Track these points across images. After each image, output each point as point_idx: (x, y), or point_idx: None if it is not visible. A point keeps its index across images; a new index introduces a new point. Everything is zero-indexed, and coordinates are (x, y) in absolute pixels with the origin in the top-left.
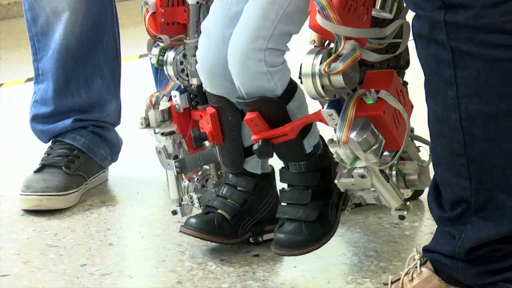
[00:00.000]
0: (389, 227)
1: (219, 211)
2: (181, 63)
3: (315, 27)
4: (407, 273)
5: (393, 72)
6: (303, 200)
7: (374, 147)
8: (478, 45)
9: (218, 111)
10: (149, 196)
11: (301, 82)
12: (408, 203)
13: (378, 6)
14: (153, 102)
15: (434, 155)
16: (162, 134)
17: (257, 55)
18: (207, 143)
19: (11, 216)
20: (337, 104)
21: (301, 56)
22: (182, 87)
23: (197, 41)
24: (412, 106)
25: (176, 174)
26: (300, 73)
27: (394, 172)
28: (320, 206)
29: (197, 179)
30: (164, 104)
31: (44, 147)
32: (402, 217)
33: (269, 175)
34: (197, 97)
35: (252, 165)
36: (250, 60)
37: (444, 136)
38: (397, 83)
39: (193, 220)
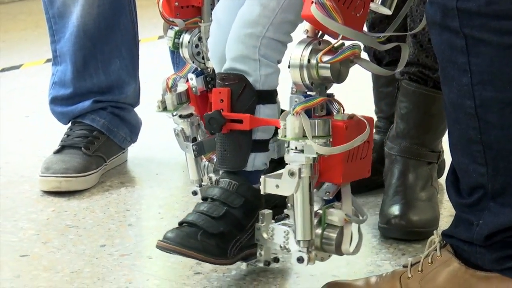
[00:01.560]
0: None
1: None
2: (197, 46)
3: (308, 18)
4: (426, 256)
5: (373, 119)
6: (213, 213)
7: (321, 140)
8: (491, 32)
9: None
10: (169, 177)
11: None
12: (313, 253)
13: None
14: (169, 85)
15: (451, 141)
16: (180, 116)
17: (252, 41)
18: None
19: (31, 196)
20: (306, 96)
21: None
22: (199, 69)
23: None
24: (368, 171)
25: (194, 157)
26: (289, 62)
27: (316, 220)
28: (227, 230)
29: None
30: (181, 87)
31: (64, 127)
32: (300, 260)
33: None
34: (214, 80)
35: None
36: (244, 45)
37: (460, 122)
38: (370, 132)
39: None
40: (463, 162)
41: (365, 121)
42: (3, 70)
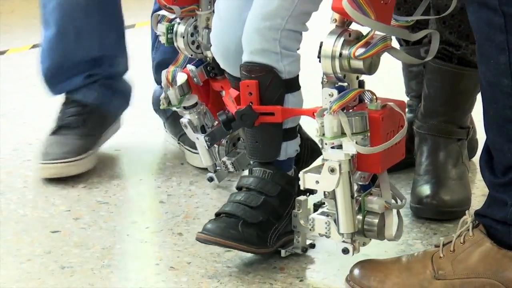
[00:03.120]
0: None
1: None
2: (192, 35)
3: (339, 11)
4: (459, 236)
5: (404, 103)
6: (251, 203)
7: (360, 136)
8: None
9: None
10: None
11: (320, 62)
12: (357, 242)
13: None
14: (170, 80)
15: (486, 120)
16: (185, 108)
17: (273, 34)
18: None
19: None
20: (340, 89)
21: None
22: (197, 59)
23: (210, 12)
24: (403, 155)
25: (207, 148)
26: (319, 53)
27: (356, 208)
28: (266, 218)
29: (227, 141)
30: (180, 78)
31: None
32: (345, 251)
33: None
34: (215, 69)
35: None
36: (264, 38)
37: (496, 101)
38: (401, 117)
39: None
40: (498, 142)
41: (399, 109)
42: None
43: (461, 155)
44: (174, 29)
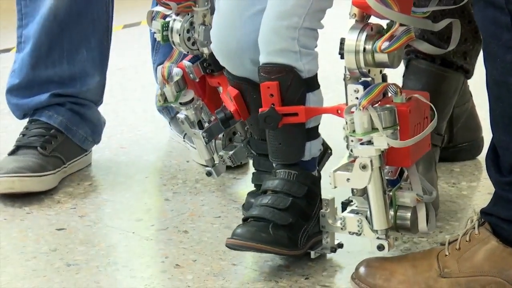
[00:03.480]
0: (446, 186)
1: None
2: (188, 31)
3: (361, 5)
4: (464, 234)
5: (428, 94)
6: (279, 205)
7: (390, 130)
8: None
9: (241, 91)
10: None
11: (342, 58)
12: (391, 238)
13: None
14: (166, 76)
15: (492, 118)
16: (181, 104)
17: (291, 33)
18: None
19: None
20: (365, 84)
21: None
22: (192, 56)
23: (207, 9)
24: (429, 145)
25: (205, 144)
26: (341, 49)
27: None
28: (295, 220)
29: (223, 135)
30: (176, 74)
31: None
32: (381, 247)
33: None
34: (211, 65)
35: None
36: (282, 37)
37: (503, 100)
38: (427, 108)
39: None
40: (504, 140)
41: (425, 99)
42: None
43: (434, 161)
44: (170, 25)
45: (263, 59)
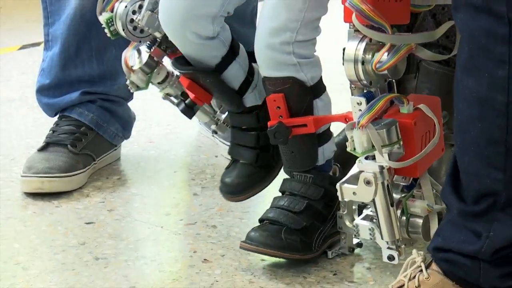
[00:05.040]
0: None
1: (241, 161)
2: (131, 21)
3: (350, 22)
4: (411, 279)
5: (439, 99)
6: (294, 208)
7: (390, 147)
8: None
9: (192, 79)
10: None
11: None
12: (403, 246)
13: None
14: (129, 65)
15: (462, 140)
16: (159, 83)
17: (285, 48)
18: None
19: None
20: (369, 95)
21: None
22: (149, 42)
23: None
24: (443, 149)
25: (189, 118)
26: (342, 58)
27: (399, 211)
28: (310, 223)
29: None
30: (138, 61)
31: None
32: (391, 258)
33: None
34: (169, 47)
35: (251, 99)
36: (277, 52)
37: (483, 119)
38: (438, 113)
39: (228, 181)
40: (474, 165)
41: (430, 113)
42: None
43: None
44: (114, 10)
45: (263, 73)
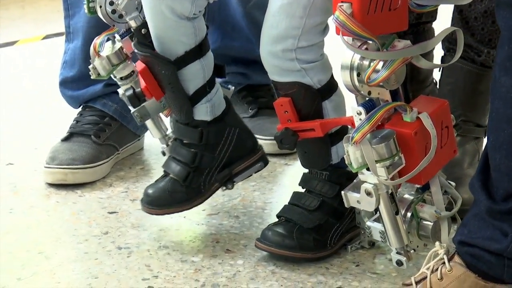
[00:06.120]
0: None
1: (171, 175)
2: (111, 3)
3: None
4: (433, 271)
5: (447, 102)
6: (309, 206)
7: (387, 162)
8: None
9: (148, 66)
10: None
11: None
12: (412, 251)
13: None
14: (97, 49)
15: (495, 139)
16: (121, 78)
17: (287, 55)
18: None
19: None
20: (369, 105)
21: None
22: (124, 31)
23: None
24: (455, 152)
25: (139, 123)
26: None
27: (409, 214)
28: (324, 220)
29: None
30: (108, 49)
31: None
32: (399, 263)
33: (221, 116)
34: (138, 39)
35: (201, 112)
36: (281, 60)
37: None
38: (446, 117)
39: (150, 191)
40: (505, 164)
41: (429, 123)
42: None
43: (477, 153)
44: None
45: (271, 77)
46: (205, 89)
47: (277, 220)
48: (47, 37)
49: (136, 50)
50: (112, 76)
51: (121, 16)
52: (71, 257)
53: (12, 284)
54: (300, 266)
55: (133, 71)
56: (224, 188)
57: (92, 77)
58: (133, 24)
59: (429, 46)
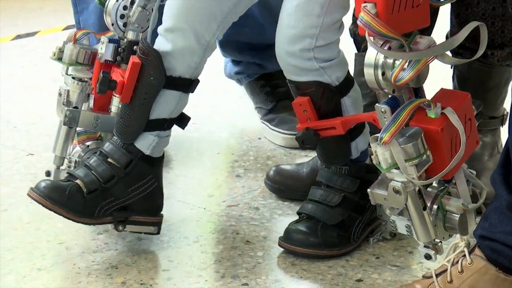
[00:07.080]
0: None
1: (78, 181)
2: (125, 8)
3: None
4: (454, 264)
5: (469, 95)
6: (331, 202)
7: (416, 161)
8: None
9: (143, 64)
10: None
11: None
12: (440, 244)
13: None
14: (76, 36)
15: None
16: (73, 77)
17: (306, 55)
18: (113, 108)
19: None
20: (393, 103)
21: None
22: (116, 37)
23: None
24: (477, 142)
25: (63, 124)
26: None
27: (435, 206)
28: (347, 215)
29: (88, 146)
30: (92, 47)
31: None
32: (428, 257)
33: (154, 160)
34: (124, 52)
35: (145, 142)
36: (298, 59)
37: None
38: (469, 109)
39: (43, 184)
40: None
41: (455, 118)
42: (19, 37)
43: (496, 145)
44: (107, 1)
45: (287, 76)
46: (165, 123)
47: (297, 216)
48: (67, 28)
49: (143, 44)
50: (67, 68)
51: (125, 24)
52: (92, 248)
53: (32, 274)
54: (319, 257)
55: (85, 81)
56: (113, 226)
57: (50, 56)
58: (130, 36)
59: (454, 44)
